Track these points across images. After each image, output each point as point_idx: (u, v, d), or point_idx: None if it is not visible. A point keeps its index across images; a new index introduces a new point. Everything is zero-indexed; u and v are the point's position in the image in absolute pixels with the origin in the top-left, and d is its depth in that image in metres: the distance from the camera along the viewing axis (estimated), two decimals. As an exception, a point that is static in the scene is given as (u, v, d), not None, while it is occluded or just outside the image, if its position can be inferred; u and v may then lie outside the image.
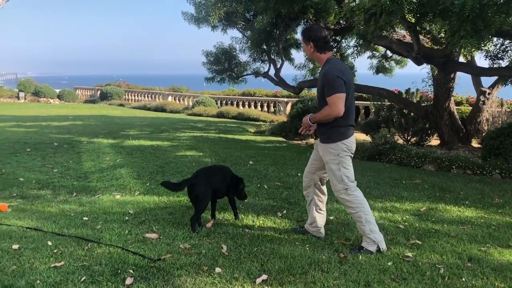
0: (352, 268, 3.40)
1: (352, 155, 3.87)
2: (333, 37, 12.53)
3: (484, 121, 11.54)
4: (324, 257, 3.62)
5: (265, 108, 21.47)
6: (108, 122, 15.97)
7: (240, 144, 11.13)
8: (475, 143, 10.97)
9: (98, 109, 23.60)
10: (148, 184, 6.29)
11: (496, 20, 6.29)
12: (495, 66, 9.32)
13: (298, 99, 16.44)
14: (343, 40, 13.15)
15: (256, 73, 13.02)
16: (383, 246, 3.78)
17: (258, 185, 6.19)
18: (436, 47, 10.29)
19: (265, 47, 11.92)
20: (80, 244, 3.76)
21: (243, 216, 4.70)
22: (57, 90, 31.33)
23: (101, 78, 46.27)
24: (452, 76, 10.39)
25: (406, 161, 8.55)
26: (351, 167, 3.82)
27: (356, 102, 17.07)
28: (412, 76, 12.04)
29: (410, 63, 11.85)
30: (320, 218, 4.16)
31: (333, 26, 11.80)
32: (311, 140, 12.29)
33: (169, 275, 3.18)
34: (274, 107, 21.15)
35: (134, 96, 30.14)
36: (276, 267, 3.37)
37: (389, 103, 11.68)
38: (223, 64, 12.84)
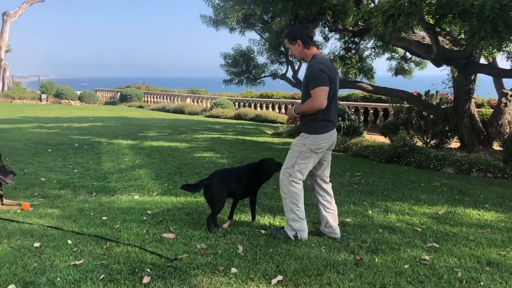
0: (368, 271, 3.38)
1: (319, 152, 3.97)
2: (351, 39, 12.48)
3: (506, 123, 11.31)
4: (340, 259, 3.61)
5: (283, 110, 21.45)
6: (127, 123, 16.18)
7: (258, 146, 11.16)
8: (496, 146, 10.77)
9: (117, 111, 23.92)
10: (166, 184, 6.36)
11: (516, 20, 6.19)
12: (517, 67, 9.15)
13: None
14: (361, 42, 13.08)
15: (274, 75, 13.04)
16: (302, 236, 4.02)
17: (275, 187, 6.20)
18: (456, 49, 10.16)
19: (282, 49, 11.93)
20: (99, 243, 3.82)
21: (260, 217, 4.72)
22: (78, 92, 31.83)
23: (121, 80, 46.89)
24: (472, 77, 10.24)
25: (425, 163, 8.45)
26: (310, 163, 3.99)
27: (374, 104, 17.13)
28: (432, 78, 11.90)
29: (429, 64, 11.73)
30: (330, 217, 4.17)
31: (351, 28, 11.75)
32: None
33: (185, 274, 3.22)
34: (292, 109, 21.10)
35: (153, 98, 30.46)
36: (291, 268, 3.37)
37: (408, 105, 11.56)
38: (241, 66, 12.90)
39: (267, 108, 22.25)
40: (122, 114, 21.69)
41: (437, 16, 7.57)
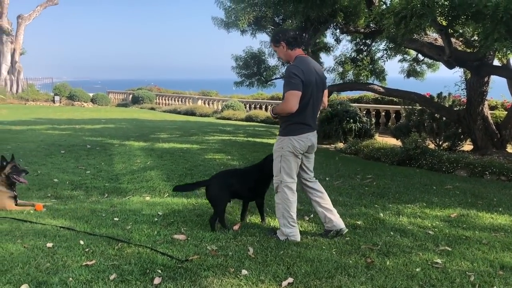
0: (379, 274, 3.36)
1: (298, 154, 4.02)
2: (363, 40, 12.44)
3: (521, 126, 11.18)
4: (351, 261, 3.59)
5: (294, 112, 21.40)
6: (139, 125, 16.28)
7: (268, 148, 11.12)
8: (510, 149, 10.65)
9: (129, 113, 24.08)
10: (177, 186, 6.38)
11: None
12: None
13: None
14: (373, 44, 13.04)
15: (285, 77, 13.03)
16: (294, 240, 4.04)
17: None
18: (469, 50, 10.06)
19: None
20: (110, 243, 3.85)
21: (270, 219, 4.72)
22: (91, 94, 32.10)
23: (133, 82, 47.22)
24: (486, 79, 10.13)
25: (437, 166, 8.37)
26: (292, 164, 4.02)
27: (386, 106, 17.02)
28: (444, 80, 11.80)
29: (442, 66, 11.64)
30: (328, 212, 4.20)
31: (362, 30, 11.72)
32: (340, 145, 12.21)
33: (196, 275, 3.23)
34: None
35: (165, 100, 30.61)
36: (302, 271, 3.37)
37: (420, 107, 11.47)
38: (252, 68, 12.93)
39: (278, 110, 22.21)
40: (133, 116, 21.83)
41: (449, 18, 7.52)
